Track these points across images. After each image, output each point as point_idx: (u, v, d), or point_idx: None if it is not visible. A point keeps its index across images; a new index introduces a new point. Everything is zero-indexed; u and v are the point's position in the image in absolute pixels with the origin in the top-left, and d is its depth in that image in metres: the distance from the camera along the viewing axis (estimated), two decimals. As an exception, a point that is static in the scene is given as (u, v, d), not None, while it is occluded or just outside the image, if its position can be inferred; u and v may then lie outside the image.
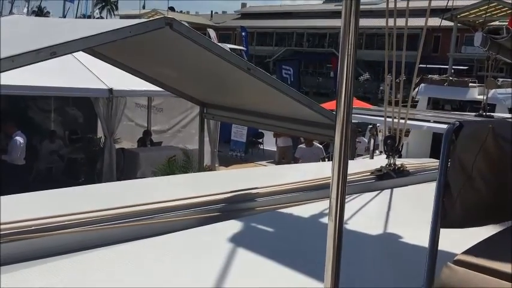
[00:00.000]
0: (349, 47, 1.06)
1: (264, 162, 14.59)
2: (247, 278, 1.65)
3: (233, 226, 2.13)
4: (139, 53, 4.28)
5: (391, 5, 3.07)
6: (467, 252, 1.25)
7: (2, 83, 6.08)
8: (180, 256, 1.84)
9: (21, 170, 9.12)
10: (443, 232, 1.55)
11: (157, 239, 1.97)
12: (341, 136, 1.12)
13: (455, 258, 1.23)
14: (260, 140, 16.98)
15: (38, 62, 2.79)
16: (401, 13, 3.18)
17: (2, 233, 1.82)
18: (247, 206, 2.48)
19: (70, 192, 2.77)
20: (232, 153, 15.79)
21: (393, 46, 3.14)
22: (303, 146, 10.60)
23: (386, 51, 3.19)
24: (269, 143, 15.85)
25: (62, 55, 2.85)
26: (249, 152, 16.41)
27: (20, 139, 8.92)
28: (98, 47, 3.59)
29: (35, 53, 2.71)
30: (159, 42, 3.68)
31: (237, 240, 1.96)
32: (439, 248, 1.52)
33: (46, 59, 2.77)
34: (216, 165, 9.89)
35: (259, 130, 15.95)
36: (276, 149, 14.28)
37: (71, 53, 3.15)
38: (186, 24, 3.33)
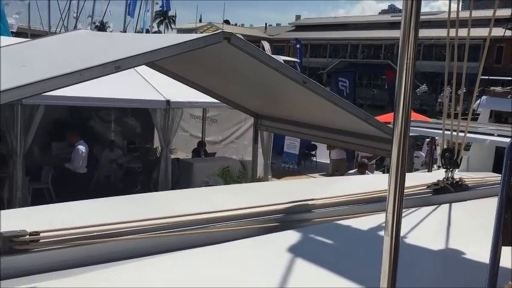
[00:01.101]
0: (408, 60, 1.05)
1: (316, 175, 14.48)
2: None
3: (290, 237, 2.14)
4: (197, 66, 4.39)
5: (453, 15, 3.00)
6: None
7: (66, 94, 6.41)
8: (237, 265, 1.86)
9: (83, 177, 9.51)
10: (505, 250, 1.49)
11: (215, 248, 2.00)
12: (398, 149, 1.11)
13: None
14: (313, 153, 16.88)
15: (103, 76, 2.92)
16: (462, 23, 3.10)
17: (66, 238, 1.92)
18: (304, 217, 2.49)
19: (130, 199, 2.88)
20: (284, 165, 15.78)
21: (454, 57, 3.05)
22: (352, 171, 10.36)
23: (447, 62, 3.11)
24: (322, 155, 15.73)
25: (125, 69, 2.98)
26: (301, 164, 16.34)
27: (82, 148, 9.32)
28: (158, 60, 3.73)
29: (101, 67, 2.84)
30: (216, 55, 3.77)
31: (294, 250, 1.97)
32: (500, 265, 1.46)
33: (111, 73, 2.90)
34: (269, 176, 9.92)
35: (312, 142, 15.87)
36: (329, 162, 14.14)
37: (134, 67, 3.29)
38: (242, 38, 3.40)
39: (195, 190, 3.85)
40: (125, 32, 33.72)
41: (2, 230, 1.80)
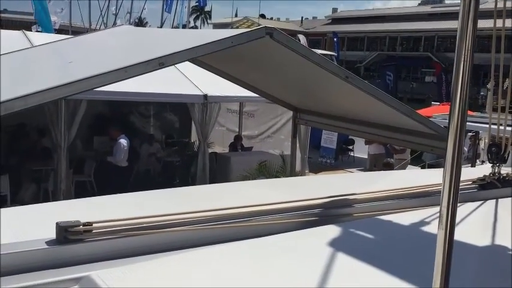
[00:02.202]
0: (466, 52, 1.04)
1: (354, 170, 14.34)
2: (344, 283, 1.66)
3: (331, 231, 2.14)
4: (237, 60, 4.42)
5: (500, 5, 2.92)
6: None
7: (107, 89, 6.57)
8: (278, 258, 1.88)
9: (124, 171, 9.75)
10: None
11: (257, 241, 2.02)
12: (454, 143, 1.09)
13: None
14: (350, 147, 16.72)
15: (147, 72, 2.97)
16: (509, 14, 3.00)
17: (118, 228, 1.98)
18: (345, 211, 2.48)
19: (175, 192, 2.95)
20: (322, 159, 15.71)
21: (501, 49, 2.97)
22: None
23: (493, 53, 3.03)
24: (360, 150, 15.56)
25: (169, 65, 3.03)
26: (339, 159, 16.22)
27: (124, 142, 9.55)
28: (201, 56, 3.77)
29: (145, 64, 2.90)
30: (257, 50, 3.78)
31: (335, 245, 1.97)
32: None
33: (155, 70, 2.95)
34: (306, 171, 9.90)
35: (350, 137, 15.73)
36: (367, 156, 13.98)
37: (177, 63, 3.35)
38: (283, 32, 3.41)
39: (237, 184, 3.89)
40: (162, 27, 34.20)
41: (57, 221, 1.88)
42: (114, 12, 37.89)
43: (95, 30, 25.30)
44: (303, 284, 1.63)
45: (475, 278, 1.84)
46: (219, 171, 10.75)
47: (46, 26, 24.98)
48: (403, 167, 11.13)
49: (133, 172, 10.68)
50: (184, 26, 40.44)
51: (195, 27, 65.64)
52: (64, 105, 8.26)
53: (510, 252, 2.03)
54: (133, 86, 8.13)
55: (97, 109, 11.16)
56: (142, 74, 2.98)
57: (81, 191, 9.48)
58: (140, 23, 43.84)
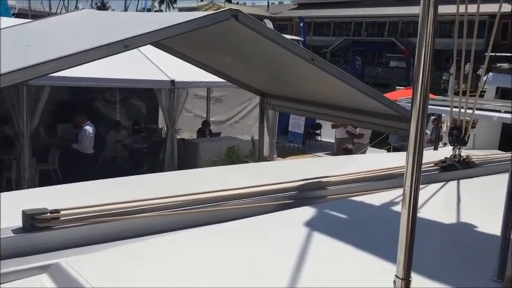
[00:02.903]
0: (427, 37, 1.07)
1: (321, 154, 14.53)
2: (318, 262, 1.70)
3: (306, 213, 2.18)
4: (203, 44, 4.39)
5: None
6: None
7: (72, 75, 6.41)
8: (254, 241, 1.91)
9: (90, 158, 9.60)
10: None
11: (232, 224, 2.04)
12: (416, 125, 1.14)
13: None
14: (318, 132, 16.91)
15: (110, 55, 2.92)
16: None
17: (86, 215, 1.96)
18: (319, 194, 2.53)
19: (144, 179, 2.93)
20: (289, 144, 15.83)
21: (464, 34, 3.05)
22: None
23: (455, 39, 3.11)
24: (326, 134, 15.75)
25: (133, 48, 2.98)
26: (306, 143, 16.38)
27: (89, 129, 9.39)
28: (165, 39, 3.72)
29: (107, 47, 2.84)
30: (223, 34, 3.76)
31: (310, 225, 2.01)
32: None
33: (118, 53, 2.90)
34: (274, 155, 9.97)
35: (317, 121, 15.89)
36: (334, 141, 14.17)
37: (141, 46, 3.30)
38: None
39: (208, 169, 3.89)
40: (126, 11, 33.46)
41: (23, 209, 1.85)
42: (75, -5, 36.75)
43: (55, 14, 24.55)
44: (278, 265, 1.66)
45: (437, 253, 1.92)
46: (187, 158, 10.70)
47: (2, 11, 24.06)
48: (363, 152, 11.34)
49: (100, 159, 10.52)
50: (149, 10, 39.71)
51: (160, 11, 64.51)
52: (26, 91, 8.03)
53: (473, 229, 2.12)
54: (98, 72, 7.97)
55: (61, 95, 10.89)
56: (104, 57, 2.93)
57: (46, 180, 9.27)
58: (103, 7, 42.81)
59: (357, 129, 11.59)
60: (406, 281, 1.19)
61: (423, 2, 1.07)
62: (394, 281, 1.20)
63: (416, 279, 1.23)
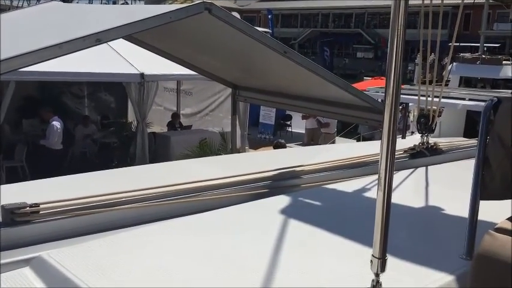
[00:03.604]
0: (399, 27, 1.13)
1: (292, 145, 14.63)
2: (296, 248, 1.76)
3: (281, 201, 2.24)
4: (174, 37, 4.38)
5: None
6: (509, 220, 1.32)
7: (37, 70, 6.26)
8: (231, 229, 1.95)
9: (59, 154, 9.41)
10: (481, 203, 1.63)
11: (209, 214, 2.08)
12: (390, 114, 1.20)
13: (497, 226, 1.30)
14: (288, 123, 17.04)
15: (83, 49, 2.88)
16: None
17: (65, 209, 1.97)
18: (292, 183, 2.60)
19: (118, 173, 2.94)
20: (260, 135, 15.90)
21: (429, 25, 3.15)
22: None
23: (421, 30, 3.21)
24: (297, 125, 15.89)
25: (106, 41, 2.96)
26: (277, 135, 16.49)
27: (57, 124, 9.20)
28: (136, 33, 3.70)
29: (81, 40, 2.80)
30: (194, 26, 3.76)
31: (285, 213, 2.07)
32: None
33: (91, 46, 2.87)
34: (246, 147, 10.01)
35: (287, 112, 16.00)
36: (304, 131, 14.31)
37: (114, 39, 3.27)
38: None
39: (183, 162, 3.91)
40: (91, 3, 32.78)
41: (2, 203, 1.85)
42: (38, -13, 35.70)
43: (17, 7, 23.81)
44: (255, 253, 1.71)
45: (409, 235, 2.02)
46: (158, 151, 10.63)
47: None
48: (332, 142, 11.51)
49: (69, 155, 10.33)
50: (114, 3, 38.93)
51: (126, 3, 63.29)
52: (-10, 87, 7.82)
53: (442, 211, 2.22)
54: (65, 66, 7.79)
55: (26, 90, 10.61)
56: (78, 50, 2.89)
57: (13, 177, 9.06)
58: (67, -1, 41.68)
59: (323, 119, 11.77)
60: (382, 260, 1.26)
61: None
62: (371, 260, 1.27)
63: (391, 259, 1.30)
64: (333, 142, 11.55)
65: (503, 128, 1.57)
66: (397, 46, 1.15)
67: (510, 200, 1.58)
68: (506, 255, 1.19)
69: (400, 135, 6.99)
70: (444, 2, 3.26)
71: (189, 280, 1.50)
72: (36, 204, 1.89)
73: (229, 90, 5.81)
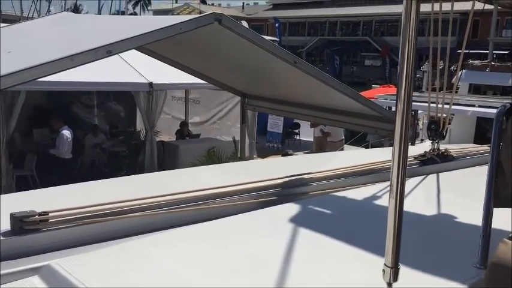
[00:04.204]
0: (410, 34, 1.12)
1: (300, 153, 14.60)
2: (307, 256, 1.74)
3: (289, 209, 2.23)
4: (184, 47, 4.40)
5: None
6: None
7: (48, 79, 6.32)
8: (240, 237, 1.94)
9: (68, 163, 9.46)
10: (495, 211, 1.61)
11: (219, 222, 2.07)
12: (401, 121, 1.19)
13: (511, 234, 1.28)
14: (296, 131, 17.02)
15: (94, 60, 2.90)
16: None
17: (74, 217, 1.97)
18: (301, 190, 2.59)
19: (128, 180, 2.94)
20: (269, 144, 15.89)
21: (438, 32, 3.14)
22: None
23: (431, 37, 3.20)
24: (305, 133, 15.85)
25: (117, 53, 2.98)
26: (285, 143, 16.47)
27: (67, 133, 9.26)
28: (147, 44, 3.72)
29: (92, 52, 2.83)
30: (205, 36, 3.78)
31: (294, 221, 2.06)
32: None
33: (103, 58, 2.89)
34: (254, 156, 9.99)
35: (295, 121, 15.98)
36: (312, 140, 14.27)
37: (125, 51, 3.29)
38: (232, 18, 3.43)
39: (191, 169, 3.91)
40: (100, 14, 33.09)
41: (11, 212, 1.85)
42: (47, -2, 36.09)
43: (27, 18, 24.09)
44: (265, 260, 1.70)
45: (422, 243, 1.99)
46: (167, 160, 10.65)
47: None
48: (339, 150, 11.47)
49: (78, 164, 10.38)
50: (123, 13, 39.31)
51: (134, 13, 63.89)
52: (1, 97, 7.88)
53: (454, 219, 2.20)
54: (75, 76, 7.84)
55: (36, 100, 10.72)
56: (89, 62, 2.91)
57: (23, 186, 9.11)
58: (76, 9, 42.17)
59: (326, 127, 11.75)
60: (395, 269, 1.24)
61: (406, 2, 1.11)
62: (383, 270, 1.25)
63: (403, 268, 1.28)
64: (342, 150, 11.51)
65: (516, 134, 1.55)
66: (408, 54, 1.14)
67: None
68: (522, 264, 1.17)
69: (410, 142, 6.94)
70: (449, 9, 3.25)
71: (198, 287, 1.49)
72: (45, 212, 1.89)
73: (237, 98, 5.81)
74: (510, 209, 1.60)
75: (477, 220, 1.65)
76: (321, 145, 13.39)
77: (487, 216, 1.58)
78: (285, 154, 9.41)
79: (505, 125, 1.59)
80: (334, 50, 36.68)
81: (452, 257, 1.79)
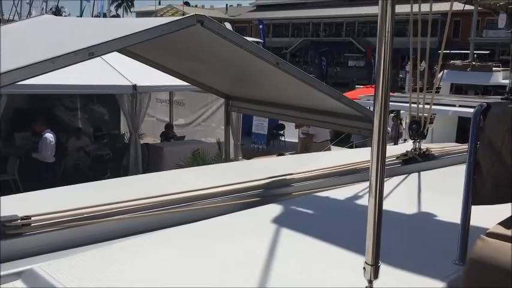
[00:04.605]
0: (386, 34, 1.14)
1: (285, 154, 14.64)
2: (290, 256, 1.76)
3: (272, 209, 2.24)
4: (167, 49, 4.39)
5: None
6: (500, 224, 1.33)
7: (29, 83, 6.25)
8: (224, 238, 1.95)
9: (51, 167, 9.36)
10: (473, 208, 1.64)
11: (202, 223, 2.08)
12: (379, 121, 1.20)
13: (489, 231, 1.31)
14: (281, 132, 17.07)
15: (76, 63, 2.88)
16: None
17: (57, 220, 1.96)
18: (284, 191, 2.60)
19: (112, 183, 2.92)
20: (254, 145, 15.91)
21: (418, 33, 3.19)
22: None
23: (411, 38, 3.24)
24: (290, 134, 15.91)
25: (99, 55, 2.95)
26: (270, 144, 16.50)
27: (50, 137, 9.16)
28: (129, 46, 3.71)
29: (73, 54, 2.80)
30: (188, 38, 3.78)
31: (277, 222, 2.07)
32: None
33: (84, 60, 2.87)
34: (240, 157, 10.01)
35: (280, 122, 16.03)
36: (297, 140, 14.33)
37: (107, 53, 3.26)
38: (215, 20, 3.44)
39: (175, 171, 3.91)
40: (81, 16, 32.86)
41: (-7, 217, 1.83)
42: (28, 0, 35.80)
43: (8, 20, 23.82)
44: (248, 262, 1.71)
45: (402, 241, 2.02)
46: (152, 163, 10.59)
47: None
48: (325, 150, 11.55)
49: (62, 167, 10.27)
50: (105, 15, 39.02)
51: (117, 15, 63.45)
52: (-19, 101, 7.78)
53: (434, 217, 2.23)
54: (57, 79, 7.77)
55: (18, 103, 10.58)
56: (70, 64, 2.88)
57: (5, 191, 8.97)
58: (58, 12, 41.73)
59: (309, 129, 11.81)
60: (375, 266, 1.26)
61: (381, 3, 1.13)
62: (364, 268, 1.27)
63: (384, 266, 1.30)
64: (328, 150, 11.58)
65: (493, 133, 1.58)
66: (384, 54, 1.16)
67: (501, 205, 1.58)
68: (498, 259, 1.20)
69: (392, 143, 7.02)
70: (433, 9, 3.30)
71: None
72: (28, 216, 1.88)
73: (221, 100, 5.83)
74: (488, 206, 1.63)
75: (456, 218, 1.68)
76: (306, 146, 13.45)
77: (466, 214, 1.61)
78: (280, 155, 9.54)
79: (482, 123, 1.62)
80: (320, 52, 36.96)
81: (432, 254, 1.82)
